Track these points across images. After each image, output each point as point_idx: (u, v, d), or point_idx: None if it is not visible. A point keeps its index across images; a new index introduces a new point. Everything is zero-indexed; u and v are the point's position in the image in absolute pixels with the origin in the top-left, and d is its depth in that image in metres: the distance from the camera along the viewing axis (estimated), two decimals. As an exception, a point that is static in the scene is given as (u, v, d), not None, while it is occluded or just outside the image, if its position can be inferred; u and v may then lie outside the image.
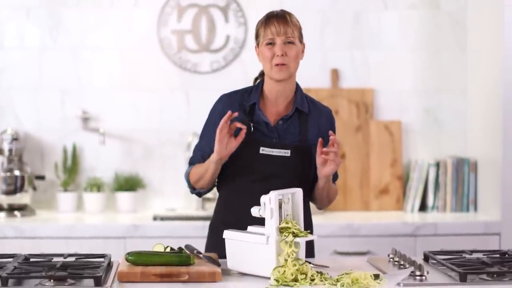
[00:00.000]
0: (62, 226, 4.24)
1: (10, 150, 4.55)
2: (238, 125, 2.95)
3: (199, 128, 3.23)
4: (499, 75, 4.39)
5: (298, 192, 2.75)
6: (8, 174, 4.53)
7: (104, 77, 4.78)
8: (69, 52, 4.76)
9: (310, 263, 2.73)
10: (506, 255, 2.95)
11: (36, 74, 4.76)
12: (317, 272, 2.63)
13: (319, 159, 2.97)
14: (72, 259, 2.87)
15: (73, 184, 4.72)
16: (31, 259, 2.85)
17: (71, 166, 4.70)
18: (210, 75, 4.81)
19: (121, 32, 4.78)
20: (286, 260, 2.59)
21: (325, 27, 4.83)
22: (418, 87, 4.86)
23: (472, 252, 2.99)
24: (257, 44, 3.06)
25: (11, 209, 4.51)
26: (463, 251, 3.00)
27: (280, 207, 2.68)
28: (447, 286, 2.57)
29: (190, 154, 4.26)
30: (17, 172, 4.54)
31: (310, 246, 3.07)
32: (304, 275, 2.59)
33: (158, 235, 4.17)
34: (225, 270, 2.73)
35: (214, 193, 4.26)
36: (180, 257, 2.71)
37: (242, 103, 3.09)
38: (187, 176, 3.16)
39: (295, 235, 2.63)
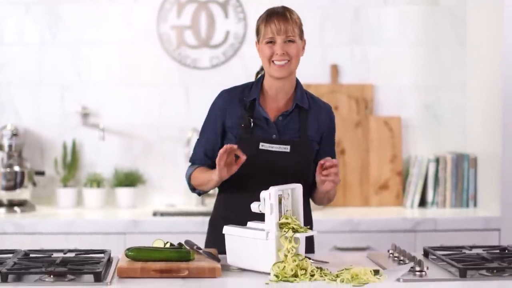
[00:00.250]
0: (62, 221, 4.25)
1: (10, 146, 4.55)
2: (238, 153, 2.92)
3: (198, 124, 3.23)
4: (498, 71, 4.38)
5: (298, 187, 2.75)
6: (8, 169, 4.52)
7: (104, 72, 4.78)
8: (69, 48, 4.76)
9: (310, 258, 2.73)
10: (506, 251, 2.95)
11: (35, 69, 4.75)
12: (317, 267, 2.64)
13: (318, 178, 2.97)
14: (72, 254, 2.87)
15: (73, 180, 4.72)
16: (31, 255, 2.86)
17: (71, 162, 4.70)
18: (209, 70, 4.81)
19: (120, 27, 4.78)
20: (286, 256, 2.60)
21: (324, 23, 4.82)
22: (417, 83, 4.86)
23: (471, 247, 2.99)
24: (258, 41, 3.06)
25: (11, 205, 4.51)
26: (462, 247, 3.00)
27: (279, 202, 2.68)
28: (447, 281, 2.58)
29: (190, 149, 4.29)
30: (17, 168, 4.54)
31: (310, 241, 3.07)
32: (304, 271, 2.59)
33: (158, 230, 4.17)
34: (225, 265, 2.73)
35: (214, 189, 4.24)
36: (180, 253, 2.72)
37: (242, 99, 3.09)
38: (188, 179, 3.15)
39: (295, 231, 2.63)
